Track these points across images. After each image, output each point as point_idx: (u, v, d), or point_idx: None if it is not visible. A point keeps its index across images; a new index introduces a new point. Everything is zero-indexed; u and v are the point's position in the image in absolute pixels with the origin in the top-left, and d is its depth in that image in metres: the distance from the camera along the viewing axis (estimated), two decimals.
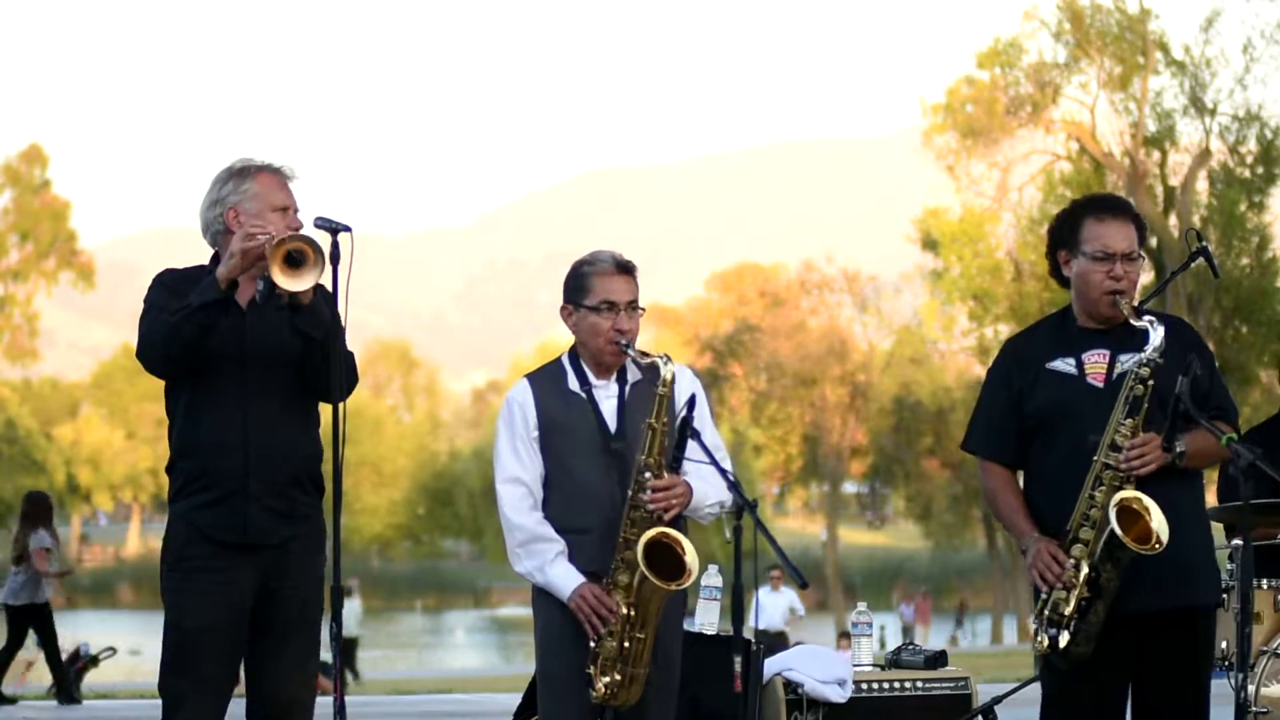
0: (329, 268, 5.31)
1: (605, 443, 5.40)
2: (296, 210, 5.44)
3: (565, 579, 5.32)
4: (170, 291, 5.37)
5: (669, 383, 5.29)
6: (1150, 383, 5.11)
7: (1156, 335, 5.14)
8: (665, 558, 5.19)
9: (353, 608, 30.13)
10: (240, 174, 5.46)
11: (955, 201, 40.01)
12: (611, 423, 5.43)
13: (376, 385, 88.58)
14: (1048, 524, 5.23)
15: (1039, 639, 5.15)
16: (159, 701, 5.43)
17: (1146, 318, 5.18)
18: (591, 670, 5.28)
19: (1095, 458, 5.11)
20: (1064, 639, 5.10)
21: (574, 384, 5.48)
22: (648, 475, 5.25)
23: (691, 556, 5.17)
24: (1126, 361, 5.21)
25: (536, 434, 5.43)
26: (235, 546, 5.32)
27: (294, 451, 5.41)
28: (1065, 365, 5.27)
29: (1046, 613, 5.13)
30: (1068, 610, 5.09)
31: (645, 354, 5.40)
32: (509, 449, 5.45)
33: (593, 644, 5.27)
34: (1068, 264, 5.32)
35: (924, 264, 43.74)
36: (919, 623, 45.26)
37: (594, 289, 5.43)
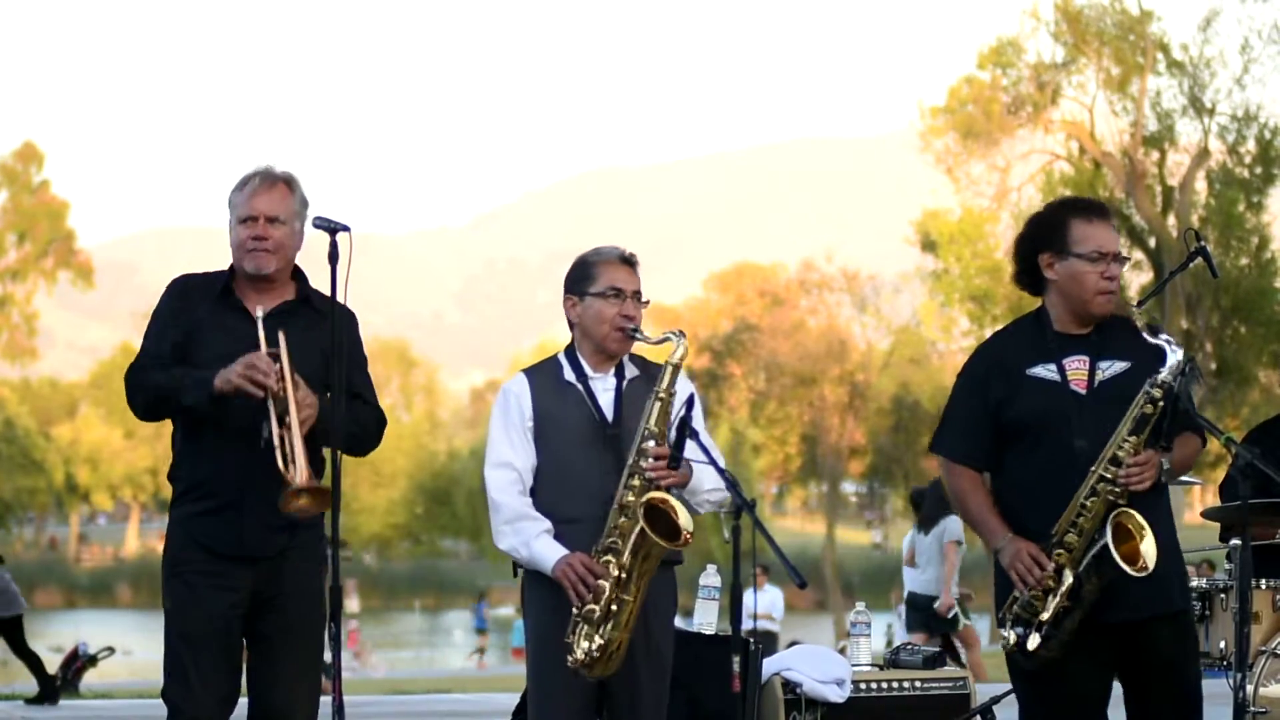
0: (331, 268, 5.32)
1: (600, 432, 5.39)
2: (273, 219, 5.36)
3: (550, 551, 5.30)
4: (181, 303, 5.40)
5: (682, 357, 5.30)
6: (1160, 404, 5.07)
7: (1174, 356, 5.09)
8: (661, 521, 5.19)
9: None
10: (236, 186, 5.47)
11: (954, 202, 40.01)
12: (609, 413, 5.43)
13: (375, 385, 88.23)
14: (1027, 528, 5.22)
15: (1006, 636, 5.15)
16: (158, 701, 5.43)
17: (1163, 336, 5.15)
18: (571, 638, 5.25)
19: (1093, 469, 5.08)
20: (1034, 641, 5.10)
21: (569, 375, 5.49)
22: (651, 443, 5.25)
23: (685, 520, 5.16)
24: (1106, 368, 5.20)
25: (531, 424, 5.43)
26: (230, 557, 5.31)
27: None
28: (1047, 371, 5.24)
29: (1017, 610, 5.15)
30: (1045, 615, 5.09)
31: (657, 334, 5.40)
32: (502, 435, 5.46)
33: (575, 610, 5.25)
34: (1051, 266, 5.27)
35: (923, 264, 43.72)
36: None
37: (600, 277, 5.46)
